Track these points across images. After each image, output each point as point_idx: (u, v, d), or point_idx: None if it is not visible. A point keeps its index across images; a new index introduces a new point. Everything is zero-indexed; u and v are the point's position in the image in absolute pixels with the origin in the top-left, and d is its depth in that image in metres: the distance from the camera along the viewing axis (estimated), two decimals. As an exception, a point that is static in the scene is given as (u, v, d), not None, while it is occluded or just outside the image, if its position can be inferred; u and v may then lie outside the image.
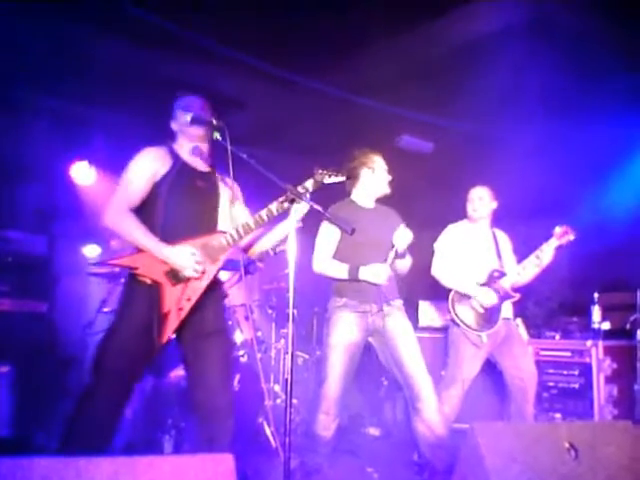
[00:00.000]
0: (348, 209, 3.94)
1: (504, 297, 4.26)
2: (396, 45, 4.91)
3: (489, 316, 4.23)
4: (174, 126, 3.08)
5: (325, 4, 4.22)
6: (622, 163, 5.72)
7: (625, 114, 5.19)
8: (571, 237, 4.22)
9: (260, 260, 4.73)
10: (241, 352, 4.87)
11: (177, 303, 2.79)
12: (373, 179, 4.00)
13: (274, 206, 2.88)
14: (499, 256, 4.42)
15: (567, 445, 2.56)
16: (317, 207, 2.80)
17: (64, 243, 5.54)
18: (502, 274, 4.30)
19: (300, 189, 2.85)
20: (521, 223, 5.16)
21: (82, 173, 6.00)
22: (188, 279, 2.82)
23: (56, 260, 4.86)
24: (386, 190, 4.04)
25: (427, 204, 5.98)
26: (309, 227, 4.05)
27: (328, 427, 3.80)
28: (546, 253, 4.20)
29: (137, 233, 2.81)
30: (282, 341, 5.47)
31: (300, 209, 2.88)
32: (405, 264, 3.95)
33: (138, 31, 4.42)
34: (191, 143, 3.04)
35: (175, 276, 2.82)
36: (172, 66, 4.86)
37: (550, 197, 5.65)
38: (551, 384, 5.00)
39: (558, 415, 4.89)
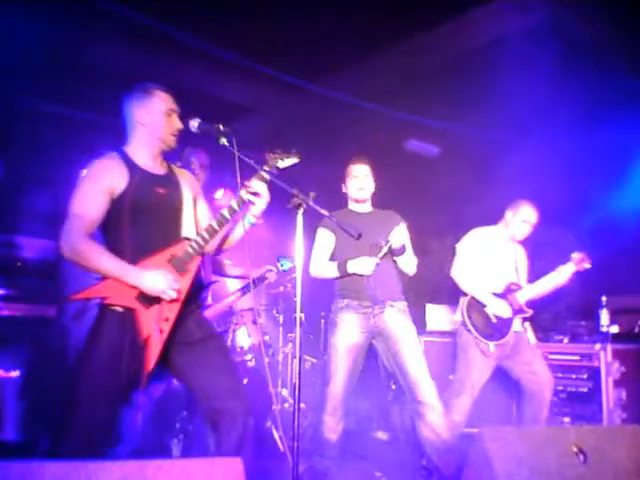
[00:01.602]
0: (344, 216, 4.00)
1: (517, 311, 4.27)
2: (403, 50, 4.93)
3: (500, 327, 4.24)
4: (140, 125, 2.80)
5: (333, 9, 4.24)
6: (628, 165, 5.71)
7: (633, 117, 5.18)
8: (587, 265, 4.27)
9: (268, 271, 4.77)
10: (249, 356, 4.88)
11: (156, 326, 2.59)
12: (348, 187, 4.11)
13: (234, 203, 2.75)
14: (516, 269, 4.43)
15: (575, 449, 2.56)
16: (323, 211, 2.80)
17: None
18: (519, 287, 4.31)
19: (256, 178, 2.75)
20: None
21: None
22: (163, 299, 2.63)
23: (65, 265, 4.88)
24: (360, 192, 4.06)
25: (435, 211, 5.98)
26: (316, 228, 4.11)
27: (334, 429, 3.81)
28: (563, 276, 4.24)
29: (100, 259, 2.56)
30: (289, 345, 5.48)
31: (261, 203, 2.78)
32: (407, 261, 3.97)
33: (144, 38, 4.45)
34: (154, 147, 2.82)
35: (148, 298, 2.61)
36: (179, 72, 4.89)
37: (559, 201, 5.64)
38: (560, 388, 4.97)
39: (567, 419, 4.88)
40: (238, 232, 2.99)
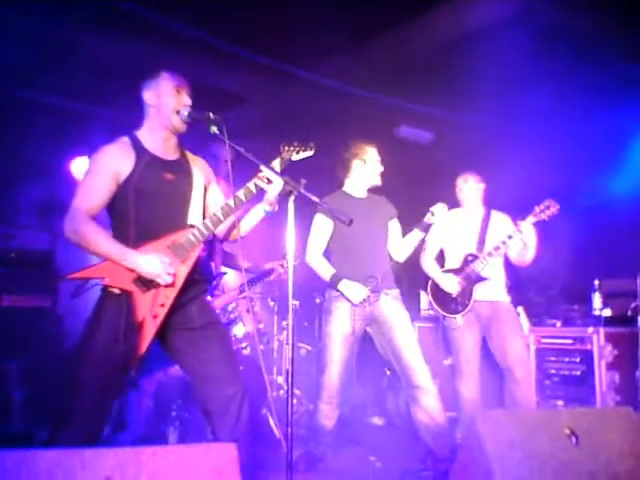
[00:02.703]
0: (340, 200, 3.99)
1: (475, 280, 4.34)
2: (394, 36, 4.90)
3: (462, 299, 4.34)
4: (151, 108, 2.82)
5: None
6: (622, 150, 5.72)
7: (625, 103, 5.18)
8: (553, 210, 4.16)
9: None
10: (243, 344, 4.90)
11: (151, 310, 2.62)
12: (364, 170, 4.06)
13: (241, 192, 2.77)
14: (482, 239, 4.44)
15: (568, 431, 2.57)
16: (314, 198, 2.78)
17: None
18: (475, 258, 4.36)
19: (267, 170, 2.76)
20: (521, 213, 5.16)
21: (83, 169, 6.01)
22: (159, 284, 2.65)
23: (58, 255, 4.89)
24: (377, 181, 4.08)
25: (426, 195, 5.99)
26: (309, 218, 4.11)
27: (330, 417, 3.84)
28: (524, 231, 4.17)
29: (99, 240, 2.60)
30: (284, 333, 5.49)
31: (274, 190, 2.79)
32: (404, 249, 4.06)
33: (135, 26, 4.43)
34: (164, 129, 2.82)
35: (145, 282, 2.63)
36: (171, 61, 4.86)
37: (550, 185, 5.66)
38: (553, 371, 5.01)
39: (560, 402, 4.91)
40: (248, 222, 2.98)
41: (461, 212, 4.62)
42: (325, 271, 3.94)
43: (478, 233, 4.47)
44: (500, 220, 4.55)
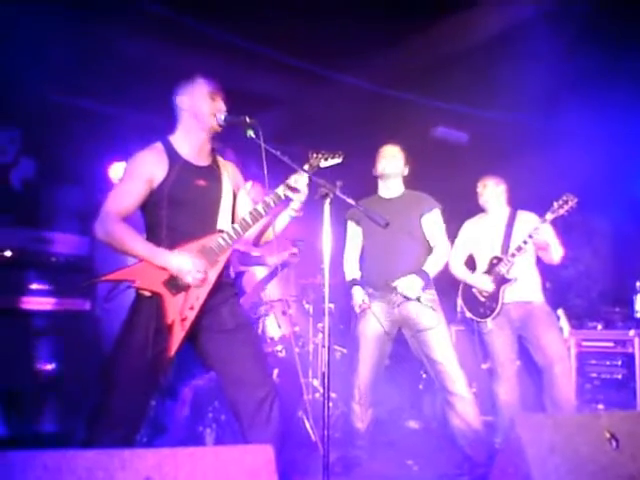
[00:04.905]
0: (375, 202, 4.02)
1: (501, 282, 4.30)
2: (429, 36, 4.89)
3: (490, 302, 4.32)
4: (185, 112, 2.85)
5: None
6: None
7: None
8: (571, 204, 4.15)
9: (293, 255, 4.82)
10: (279, 347, 4.91)
11: (180, 313, 2.63)
12: (376, 171, 4.10)
13: (270, 199, 2.78)
14: (506, 240, 4.39)
15: (608, 435, 2.53)
16: (350, 201, 2.79)
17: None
18: (500, 260, 4.33)
19: (295, 176, 2.78)
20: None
21: (120, 174, 6.08)
22: (189, 287, 2.66)
23: (97, 259, 4.96)
24: (383, 175, 4.08)
25: (465, 199, 5.95)
26: (345, 220, 4.13)
27: (362, 418, 3.84)
28: (542, 231, 4.18)
29: (130, 240, 2.64)
30: (320, 335, 5.48)
31: (299, 198, 2.81)
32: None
33: (169, 31, 4.48)
34: (199, 134, 2.85)
35: (175, 285, 2.65)
36: (204, 65, 4.90)
37: (590, 188, 5.57)
38: (594, 375, 4.94)
39: (601, 406, 4.84)
40: (278, 226, 2.98)
41: (486, 217, 4.60)
42: (347, 275, 4.12)
43: (503, 235, 4.44)
44: (526, 220, 4.47)
